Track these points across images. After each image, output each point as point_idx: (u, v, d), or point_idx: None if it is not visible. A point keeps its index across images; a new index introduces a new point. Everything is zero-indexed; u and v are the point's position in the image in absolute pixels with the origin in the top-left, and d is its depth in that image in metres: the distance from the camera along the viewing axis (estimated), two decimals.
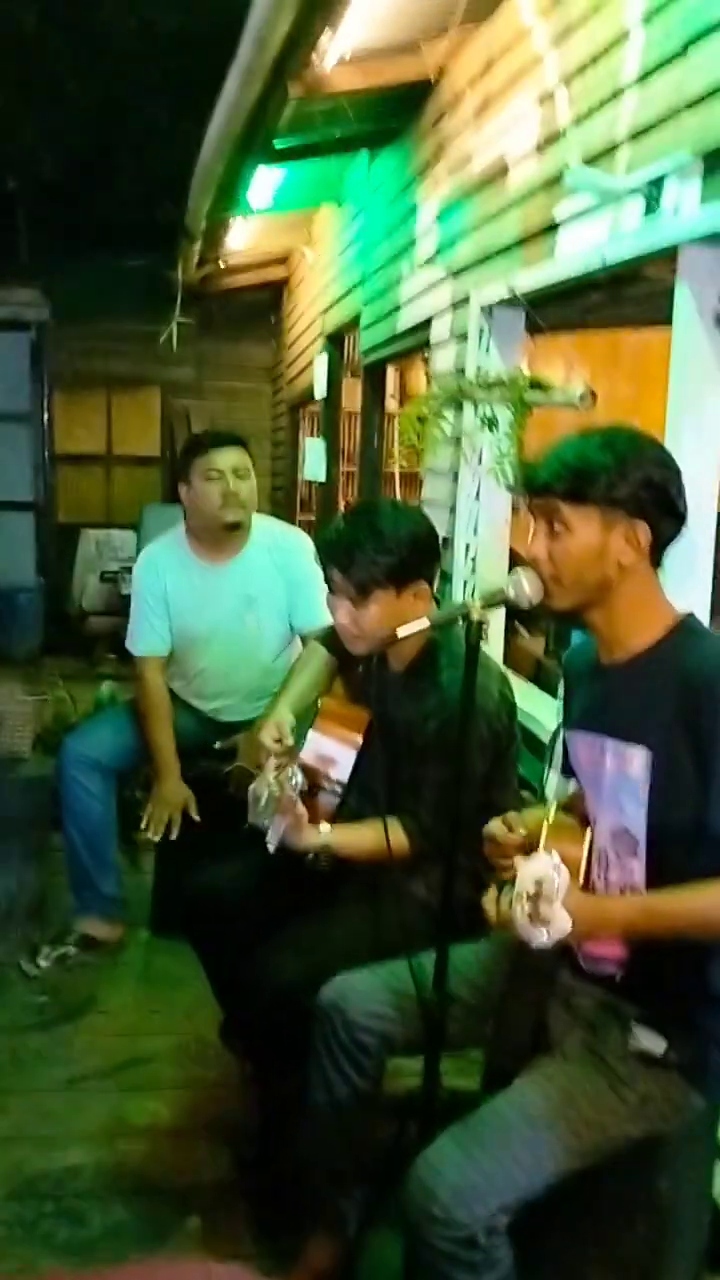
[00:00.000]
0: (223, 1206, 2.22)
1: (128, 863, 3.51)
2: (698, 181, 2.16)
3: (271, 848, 1.96)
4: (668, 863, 1.59)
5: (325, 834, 2.04)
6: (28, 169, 7.22)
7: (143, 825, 3.10)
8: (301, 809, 1.98)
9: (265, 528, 3.18)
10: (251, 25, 3.24)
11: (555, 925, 1.44)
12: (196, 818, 3.06)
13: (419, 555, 2.09)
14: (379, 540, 2.04)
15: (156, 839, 3.06)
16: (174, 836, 3.04)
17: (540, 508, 1.64)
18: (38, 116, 6.88)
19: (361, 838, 2.06)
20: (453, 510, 3.70)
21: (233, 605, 3.13)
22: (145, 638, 3.17)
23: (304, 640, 3.17)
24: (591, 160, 2.59)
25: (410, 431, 3.84)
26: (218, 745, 3.10)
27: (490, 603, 1.68)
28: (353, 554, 2.04)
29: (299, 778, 1.94)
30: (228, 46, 3.53)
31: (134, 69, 6.45)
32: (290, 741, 2.24)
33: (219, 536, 3.09)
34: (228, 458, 3.02)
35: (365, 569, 2.03)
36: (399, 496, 7.01)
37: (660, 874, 1.60)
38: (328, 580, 2.12)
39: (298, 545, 3.20)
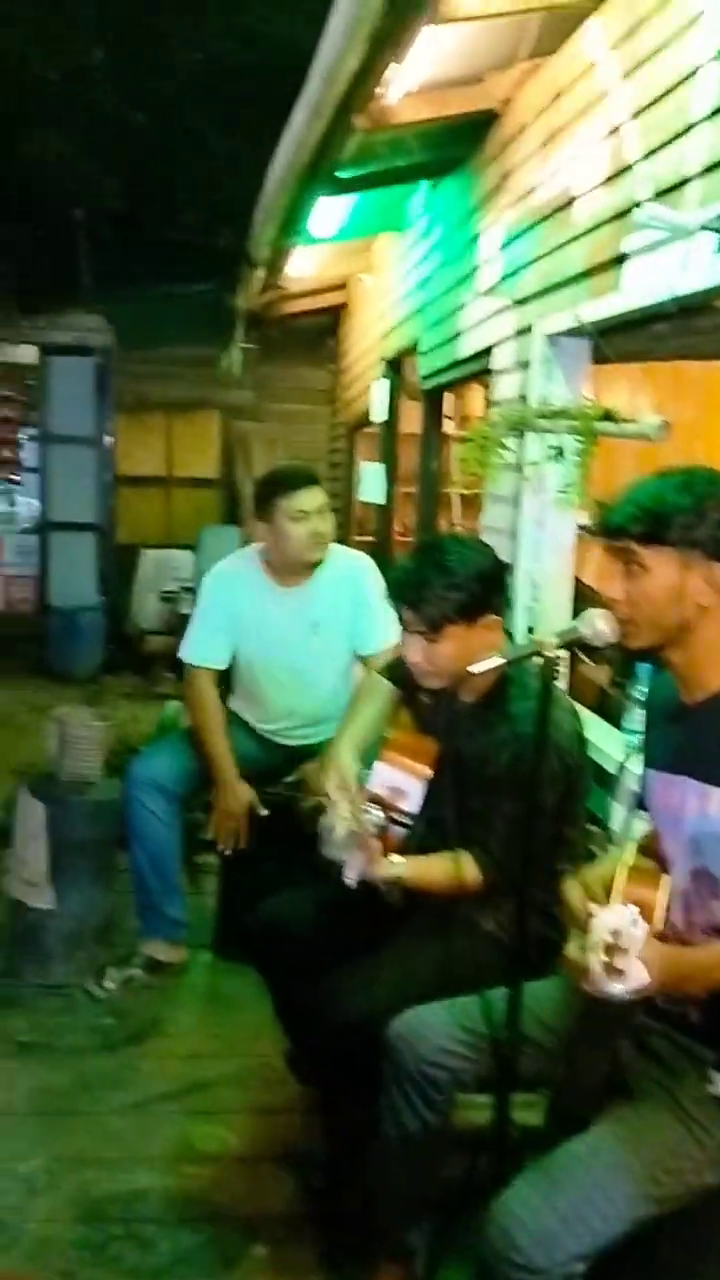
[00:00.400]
0: (290, 1235, 2.23)
1: (190, 885, 3.55)
2: None
3: (351, 882, 1.97)
4: None
5: (398, 866, 2.05)
6: (94, 198, 7.38)
7: (210, 837, 3.14)
8: (375, 843, 1.99)
9: (333, 552, 3.22)
10: (320, 61, 3.29)
11: (631, 978, 1.44)
12: (264, 812, 3.10)
13: (487, 588, 2.11)
14: (448, 576, 2.07)
15: (229, 852, 3.09)
16: (244, 845, 3.08)
17: (617, 549, 1.64)
18: (104, 146, 7.03)
19: (433, 870, 2.07)
20: (514, 536, 3.70)
21: (300, 629, 3.17)
22: (202, 649, 3.22)
23: (364, 663, 3.21)
24: (661, 194, 2.60)
25: (471, 459, 3.85)
26: (286, 780, 3.13)
27: (565, 642, 1.69)
28: (422, 592, 2.07)
29: (377, 813, 1.95)
30: (291, 80, 3.60)
31: (199, 101, 6.57)
32: (353, 787, 2.25)
33: (297, 570, 3.14)
34: (313, 498, 3.06)
35: (436, 605, 2.06)
36: (457, 519, 7.03)
37: None
38: (400, 619, 2.14)
39: (364, 569, 3.24)
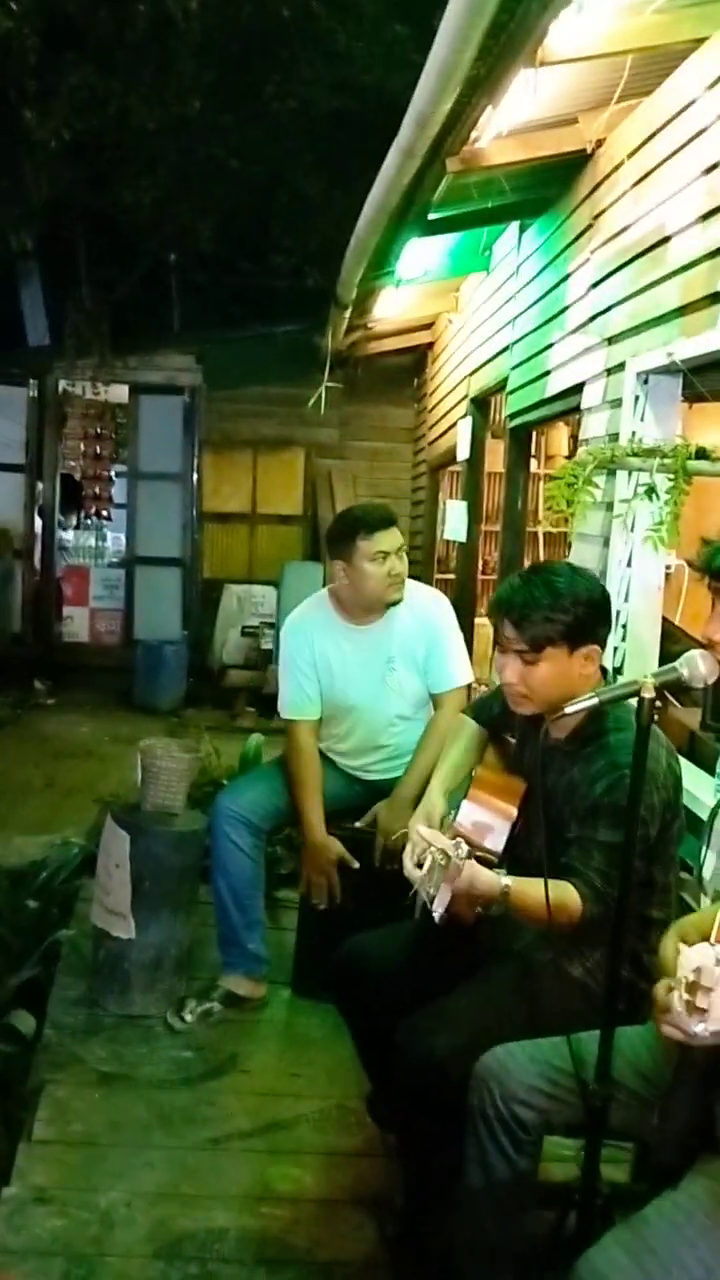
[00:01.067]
0: None
1: (269, 920, 3.53)
2: None
3: (437, 916, 1.94)
4: None
5: (506, 878, 1.99)
6: (187, 242, 7.57)
7: (304, 898, 3.15)
8: (472, 861, 1.94)
9: (408, 589, 3.20)
10: (414, 106, 3.33)
11: (713, 1018, 1.39)
12: (355, 864, 3.09)
13: (593, 617, 2.09)
14: (556, 598, 2.05)
15: (323, 906, 3.10)
16: (338, 900, 3.08)
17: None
18: (199, 192, 7.22)
19: (538, 890, 2.01)
20: (603, 575, 3.65)
21: (376, 665, 3.17)
22: (297, 702, 3.22)
23: (435, 701, 3.19)
24: None
25: (560, 497, 3.83)
26: (358, 824, 3.11)
27: (664, 682, 1.66)
28: (529, 610, 2.05)
29: (464, 848, 1.92)
30: (382, 125, 3.66)
31: (291, 147, 6.71)
32: (436, 828, 2.23)
33: (374, 609, 3.14)
34: (392, 538, 3.06)
35: (540, 626, 2.04)
36: (542, 557, 6.98)
37: None
38: (499, 637, 2.12)
39: (437, 605, 3.24)
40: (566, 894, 2.00)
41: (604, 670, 2.19)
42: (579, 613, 2.05)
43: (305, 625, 3.25)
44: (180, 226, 7.32)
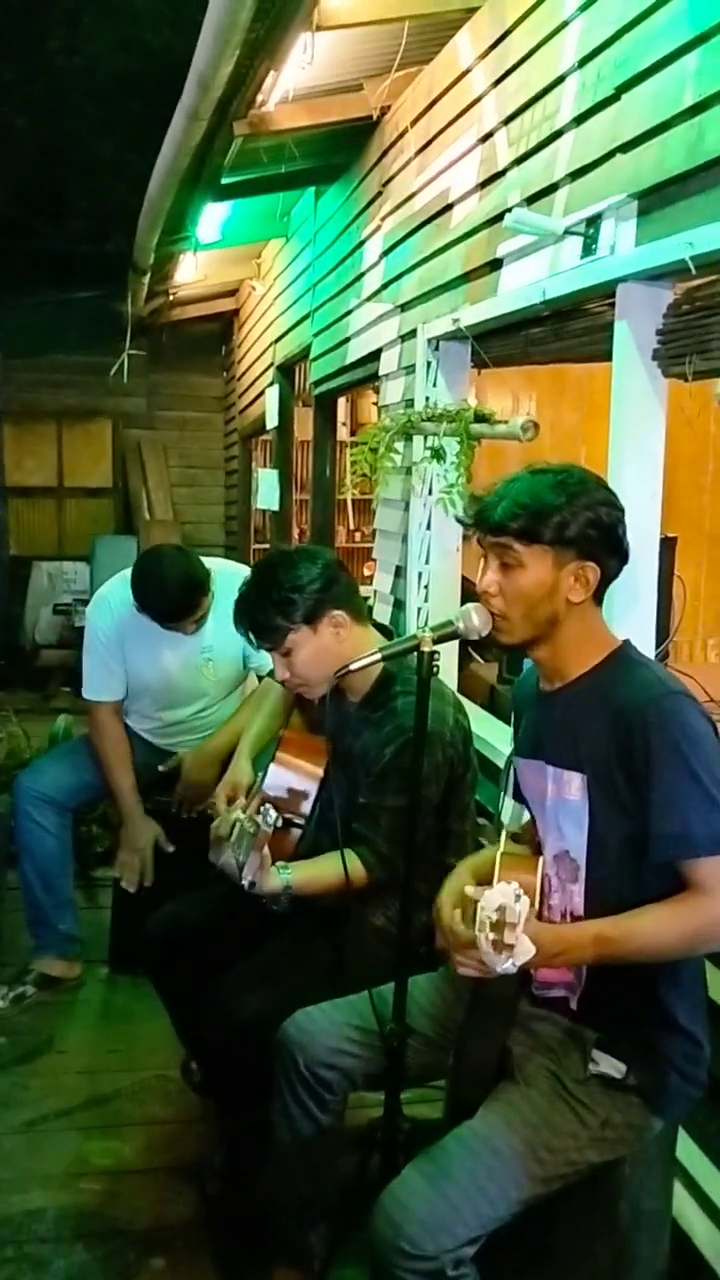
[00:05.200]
0: (187, 1246, 2.21)
1: (85, 899, 3.49)
2: (633, 221, 2.22)
3: (247, 884, 1.95)
4: (606, 887, 1.62)
5: (286, 875, 2.02)
6: None
7: (118, 877, 3.11)
8: (266, 851, 1.97)
9: (219, 576, 3.06)
10: (195, 67, 3.28)
11: (520, 952, 1.45)
12: (170, 848, 3.06)
13: (317, 590, 2.11)
14: (270, 594, 2.10)
15: (133, 890, 3.05)
16: (149, 883, 3.04)
17: (493, 545, 1.66)
18: None
19: (321, 873, 2.06)
20: (405, 539, 3.73)
21: (193, 661, 3.12)
22: (100, 684, 3.13)
23: (260, 678, 3.18)
24: (532, 199, 2.65)
25: (363, 463, 3.87)
26: (161, 768, 3.08)
27: (441, 636, 1.71)
28: (255, 620, 2.12)
29: (273, 814, 1.93)
30: (172, 86, 3.59)
31: (83, 106, 6.49)
32: (243, 802, 2.25)
33: None
34: (186, 626, 3.01)
35: (271, 631, 2.10)
36: (352, 524, 7.06)
37: (598, 898, 1.63)
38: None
39: None
40: (351, 865, 2.05)
41: (389, 633, 2.26)
42: (298, 596, 2.09)
43: (115, 608, 3.09)
44: None
